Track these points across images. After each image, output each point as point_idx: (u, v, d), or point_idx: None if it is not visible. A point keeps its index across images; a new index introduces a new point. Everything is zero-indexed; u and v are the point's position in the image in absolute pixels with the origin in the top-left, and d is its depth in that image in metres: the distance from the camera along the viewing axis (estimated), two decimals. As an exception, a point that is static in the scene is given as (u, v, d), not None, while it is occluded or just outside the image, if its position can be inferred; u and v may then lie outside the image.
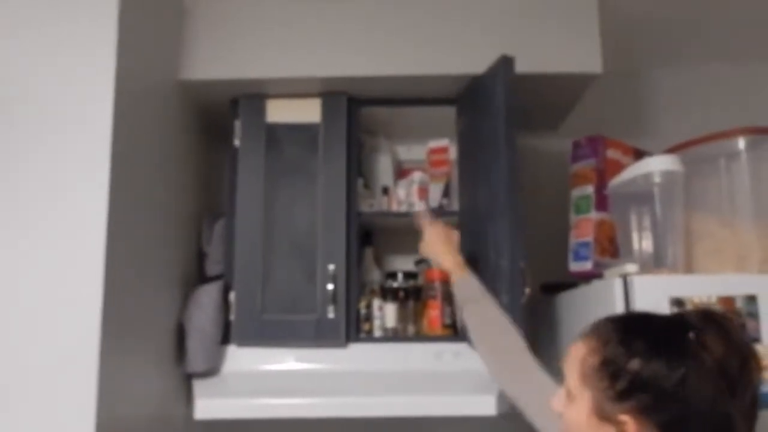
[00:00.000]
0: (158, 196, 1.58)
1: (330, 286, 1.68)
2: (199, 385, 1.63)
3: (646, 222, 1.51)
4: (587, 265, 1.64)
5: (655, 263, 1.48)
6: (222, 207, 2.06)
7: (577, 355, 0.99)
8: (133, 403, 1.39)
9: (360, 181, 1.89)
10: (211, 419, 1.60)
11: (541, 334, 1.74)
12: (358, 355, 1.68)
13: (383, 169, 2.03)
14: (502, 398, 1.57)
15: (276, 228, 1.74)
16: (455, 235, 1.58)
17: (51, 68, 1.32)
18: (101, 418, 1.19)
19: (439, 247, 1.54)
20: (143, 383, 1.45)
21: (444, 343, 1.71)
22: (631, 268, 1.36)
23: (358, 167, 1.87)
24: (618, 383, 0.93)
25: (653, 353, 0.92)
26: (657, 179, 1.49)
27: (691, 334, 0.92)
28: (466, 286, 1.47)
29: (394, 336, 1.76)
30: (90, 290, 1.22)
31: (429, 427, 1.48)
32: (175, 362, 1.65)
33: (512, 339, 1.36)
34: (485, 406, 1.51)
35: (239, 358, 1.67)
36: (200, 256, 1.85)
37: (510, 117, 1.54)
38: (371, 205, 1.91)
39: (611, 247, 1.66)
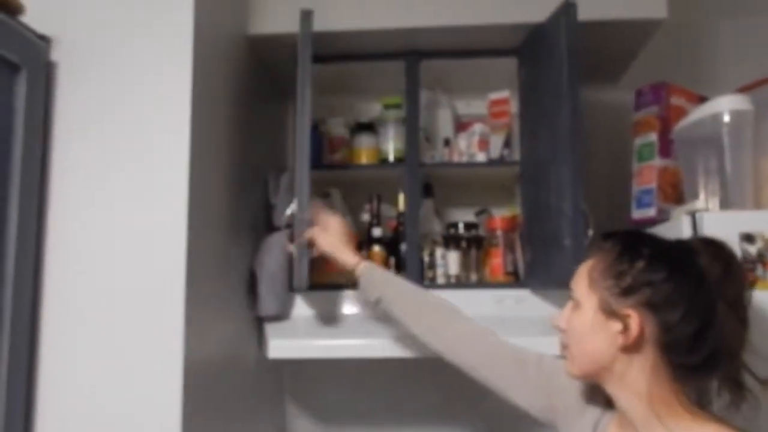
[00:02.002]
0: (231, 149, 1.64)
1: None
2: (270, 328, 1.72)
3: (713, 166, 1.50)
4: (650, 212, 1.65)
5: (722, 207, 1.48)
6: (287, 160, 2.14)
7: (585, 268, 1.07)
8: (213, 345, 1.47)
9: (421, 134, 1.93)
10: (282, 358, 1.69)
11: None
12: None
13: (443, 122, 2.06)
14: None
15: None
16: (347, 227, 1.59)
17: (131, 24, 1.37)
18: (188, 358, 1.27)
19: (339, 242, 1.53)
20: (221, 326, 1.54)
21: (506, 290, 1.75)
22: (700, 204, 1.36)
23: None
24: (623, 281, 1.00)
25: (657, 259, 1.00)
26: (726, 119, 1.46)
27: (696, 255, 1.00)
28: (373, 273, 1.48)
29: (457, 283, 1.81)
30: (175, 240, 1.29)
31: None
32: (248, 307, 1.73)
33: (446, 311, 1.39)
34: (550, 347, 1.53)
35: (307, 304, 1.75)
36: (268, 208, 1.92)
37: (573, 64, 1.54)
38: (433, 156, 1.95)
39: (675, 194, 1.66)
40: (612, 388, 1.04)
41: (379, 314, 1.50)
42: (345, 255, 1.51)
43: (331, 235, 1.54)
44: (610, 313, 1.01)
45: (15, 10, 1.22)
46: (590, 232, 1.50)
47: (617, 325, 1.00)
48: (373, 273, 1.48)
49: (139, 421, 1.24)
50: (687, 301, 0.97)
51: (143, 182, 1.31)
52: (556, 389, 1.19)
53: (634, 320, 0.99)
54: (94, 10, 1.36)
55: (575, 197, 1.50)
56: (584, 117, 2.09)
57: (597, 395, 1.11)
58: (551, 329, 1.62)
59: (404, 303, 1.43)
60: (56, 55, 1.33)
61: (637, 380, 1.00)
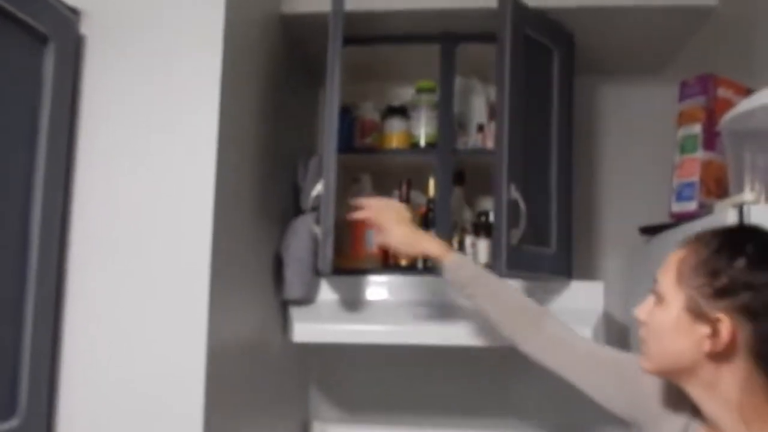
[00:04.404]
0: (260, 131, 1.62)
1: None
2: (296, 312, 1.70)
3: (762, 161, 1.42)
4: (691, 206, 1.58)
5: (769, 203, 1.40)
6: (317, 144, 2.11)
7: (674, 260, 0.95)
8: (238, 328, 1.45)
9: (456, 121, 1.89)
10: (307, 342, 1.67)
11: (637, 276, 1.71)
12: (451, 289, 1.69)
13: (477, 109, 2.01)
14: (598, 330, 1.56)
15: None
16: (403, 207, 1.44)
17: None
18: (212, 341, 1.26)
19: (415, 235, 1.38)
20: (246, 309, 1.52)
21: (536, 281, 1.70)
22: (748, 196, 1.29)
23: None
24: (717, 281, 0.89)
25: (762, 259, 0.88)
26: None
27: None
28: (463, 266, 1.37)
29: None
30: (201, 222, 1.27)
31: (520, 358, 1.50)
32: (273, 290, 1.71)
33: (536, 313, 1.31)
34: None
35: (333, 288, 1.73)
36: (295, 191, 1.90)
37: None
38: (465, 143, 1.91)
39: (718, 189, 1.58)
40: (697, 394, 0.95)
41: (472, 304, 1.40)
42: (427, 246, 1.37)
43: (397, 231, 1.38)
44: (698, 314, 0.90)
45: (45, -19, 1.20)
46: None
47: (705, 329, 0.89)
48: (461, 270, 1.36)
49: (163, 403, 1.23)
50: None
51: (170, 163, 1.29)
52: (641, 390, 1.09)
53: (726, 326, 0.88)
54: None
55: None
56: (623, 110, 2.07)
57: (685, 398, 1.01)
58: (583, 319, 1.59)
59: (495, 302, 1.34)
60: (85, 28, 1.31)
61: (727, 390, 0.91)
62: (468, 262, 1.41)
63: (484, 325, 1.55)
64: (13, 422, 1.08)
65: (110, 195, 1.29)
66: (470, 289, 1.35)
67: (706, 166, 1.60)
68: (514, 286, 1.38)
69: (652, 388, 1.07)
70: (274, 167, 1.76)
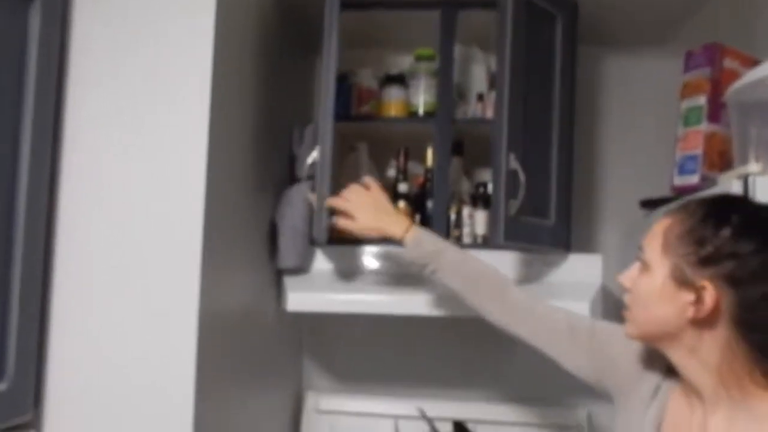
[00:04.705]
0: (255, 98, 1.58)
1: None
2: (290, 281, 1.69)
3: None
4: (693, 179, 1.55)
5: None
6: (312, 112, 2.08)
7: (660, 228, 0.97)
8: (231, 297, 1.44)
9: (456, 91, 1.86)
10: (301, 312, 1.67)
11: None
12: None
13: (477, 78, 1.97)
14: (596, 304, 1.55)
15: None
16: (380, 193, 1.45)
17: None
18: (203, 310, 1.24)
19: (377, 218, 1.41)
20: (239, 277, 1.50)
21: (535, 253, 1.68)
22: (754, 167, 1.27)
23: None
24: (703, 249, 0.91)
25: (747, 229, 0.90)
26: None
27: None
28: (422, 242, 1.38)
29: (483, 243, 1.75)
30: (193, 190, 1.24)
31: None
32: (268, 259, 1.69)
33: (499, 281, 1.34)
34: (580, 311, 1.48)
35: (328, 258, 1.71)
36: (291, 159, 1.87)
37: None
38: (465, 112, 1.87)
39: (721, 162, 1.55)
40: (678, 358, 0.97)
41: (434, 281, 1.44)
42: (387, 229, 1.40)
43: (363, 217, 1.41)
44: (683, 282, 0.92)
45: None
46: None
47: (689, 296, 0.91)
48: (422, 244, 1.38)
49: (153, 372, 1.21)
50: None
51: (161, 130, 1.26)
52: (610, 357, 1.14)
53: (710, 294, 0.90)
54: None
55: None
56: (627, 82, 2.03)
57: (656, 361, 1.04)
58: (581, 293, 1.58)
59: (458, 275, 1.36)
60: (73, -15, 1.27)
61: (708, 355, 0.93)
62: (427, 238, 1.39)
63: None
64: (2, 385, 1.06)
65: (100, 162, 1.25)
66: (432, 265, 1.36)
67: (709, 138, 1.57)
68: (482, 257, 1.39)
69: (622, 355, 1.10)
70: (268, 135, 1.72)
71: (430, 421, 1.75)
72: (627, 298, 1.01)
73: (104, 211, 1.24)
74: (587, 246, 1.95)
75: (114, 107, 1.26)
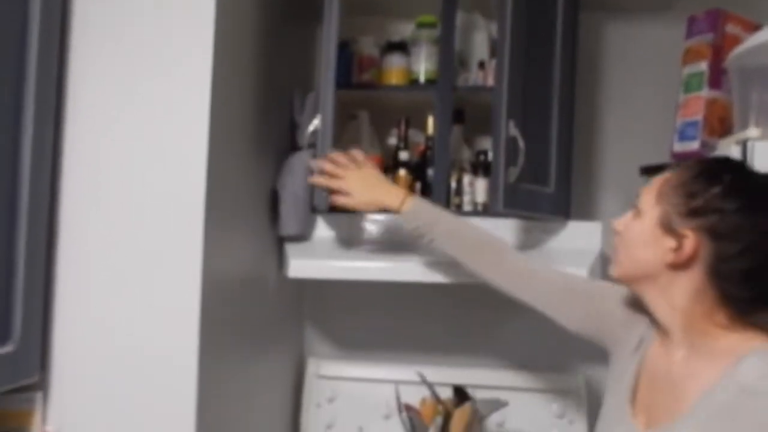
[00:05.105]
0: (256, 66, 1.58)
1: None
2: (291, 248, 1.70)
3: (768, 99, 1.39)
4: (693, 145, 1.56)
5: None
6: (313, 80, 2.07)
7: (659, 180, 1.04)
8: (233, 264, 1.45)
9: (457, 58, 1.85)
10: (302, 278, 1.69)
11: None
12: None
13: (479, 45, 1.96)
14: (595, 271, 1.56)
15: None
16: (371, 166, 1.48)
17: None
18: (206, 275, 1.25)
19: (372, 192, 1.44)
20: (241, 245, 1.51)
21: (534, 221, 1.69)
22: (753, 132, 1.27)
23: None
24: (692, 201, 0.98)
25: (736, 189, 0.97)
26: None
27: None
28: (419, 213, 1.41)
29: (483, 211, 1.76)
30: (196, 155, 1.25)
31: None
32: (269, 226, 1.70)
33: (497, 247, 1.40)
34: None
35: (329, 226, 1.73)
36: (292, 127, 1.87)
37: None
38: (466, 80, 1.87)
39: (722, 128, 1.56)
40: (651, 298, 1.05)
41: (432, 250, 1.47)
42: (384, 201, 1.43)
43: (358, 193, 1.44)
44: (668, 229, 1.00)
45: None
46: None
47: (671, 243, 0.99)
48: (418, 215, 1.41)
49: (157, 337, 1.23)
50: (752, 237, 0.96)
51: (164, 97, 1.25)
52: (605, 312, 1.21)
53: (690, 242, 0.98)
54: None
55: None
56: (629, 48, 2.02)
57: (642, 315, 1.12)
58: (579, 259, 1.59)
59: (455, 244, 1.41)
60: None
61: (677, 295, 1.01)
62: (423, 208, 1.42)
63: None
64: (8, 348, 1.08)
65: (102, 129, 1.25)
66: (429, 235, 1.40)
67: (710, 104, 1.57)
68: (478, 223, 1.45)
69: (616, 310, 1.18)
70: (269, 103, 1.72)
71: (430, 386, 1.77)
72: (615, 241, 1.09)
73: (107, 177, 1.25)
74: (587, 213, 1.95)
75: (117, 76, 1.26)
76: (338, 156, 1.49)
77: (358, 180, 1.45)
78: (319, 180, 1.49)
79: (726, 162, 1.05)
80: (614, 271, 1.10)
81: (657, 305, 1.05)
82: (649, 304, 1.06)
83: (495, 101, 1.51)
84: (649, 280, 1.04)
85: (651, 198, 1.03)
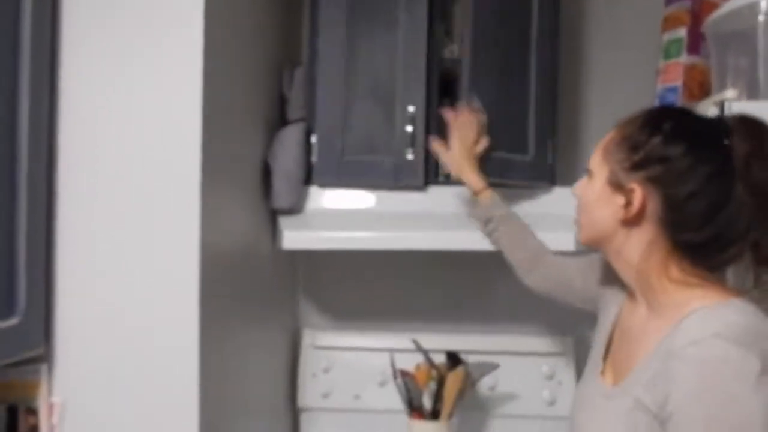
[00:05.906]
0: (244, 43, 1.59)
1: (409, 128, 1.69)
2: (284, 220, 1.73)
3: (746, 63, 1.43)
4: (674, 110, 1.60)
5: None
6: (301, 55, 2.09)
7: (605, 139, 1.05)
8: (228, 236, 1.48)
9: (442, 29, 1.86)
10: (296, 249, 1.72)
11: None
12: (436, 198, 1.73)
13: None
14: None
15: (356, 71, 1.75)
16: (483, 139, 1.57)
17: None
18: (204, 248, 1.27)
19: (468, 160, 1.54)
20: (236, 218, 1.55)
21: (522, 189, 1.73)
22: (730, 93, 1.31)
23: (441, 14, 1.83)
24: (635, 155, 0.98)
25: (676, 135, 0.97)
26: (764, 7, 1.35)
27: (727, 133, 0.96)
28: (496, 205, 1.53)
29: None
30: (189, 131, 1.26)
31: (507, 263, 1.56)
32: (262, 199, 1.73)
33: (540, 253, 1.49)
34: (564, 242, 1.54)
35: (321, 198, 1.76)
36: (281, 102, 1.89)
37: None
38: (452, 52, 1.89)
39: (701, 93, 1.60)
40: (612, 258, 1.06)
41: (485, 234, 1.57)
42: (469, 177, 1.54)
43: (457, 152, 1.55)
44: (616, 186, 1.00)
45: None
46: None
47: (621, 199, 0.99)
48: (493, 208, 1.52)
49: (159, 305, 1.26)
50: (699, 179, 0.95)
51: (156, 72, 1.27)
52: (597, 283, 1.24)
53: (637, 195, 0.98)
54: None
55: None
56: (612, 17, 2.04)
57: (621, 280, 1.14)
58: (567, 224, 1.63)
59: (510, 243, 1.51)
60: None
61: (632, 252, 1.01)
62: (501, 202, 1.54)
63: (471, 230, 1.59)
64: (13, 320, 1.11)
65: (96, 104, 1.26)
66: (494, 225, 1.51)
67: (689, 70, 1.61)
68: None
69: (602, 279, 1.21)
70: (258, 77, 1.74)
71: (425, 353, 1.82)
72: (576, 206, 1.11)
73: (102, 152, 1.27)
74: (573, 179, 1.98)
75: (108, 52, 1.27)
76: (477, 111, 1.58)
77: (465, 142, 1.54)
78: (449, 114, 1.58)
79: (665, 111, 1.07)
80: (579, 236, 1.12)
81: (618, 264, 1.05)
82: (613, 264, 1.07)
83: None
84: (608, 240, 1.04)
85: (599, 158, 1.04)
